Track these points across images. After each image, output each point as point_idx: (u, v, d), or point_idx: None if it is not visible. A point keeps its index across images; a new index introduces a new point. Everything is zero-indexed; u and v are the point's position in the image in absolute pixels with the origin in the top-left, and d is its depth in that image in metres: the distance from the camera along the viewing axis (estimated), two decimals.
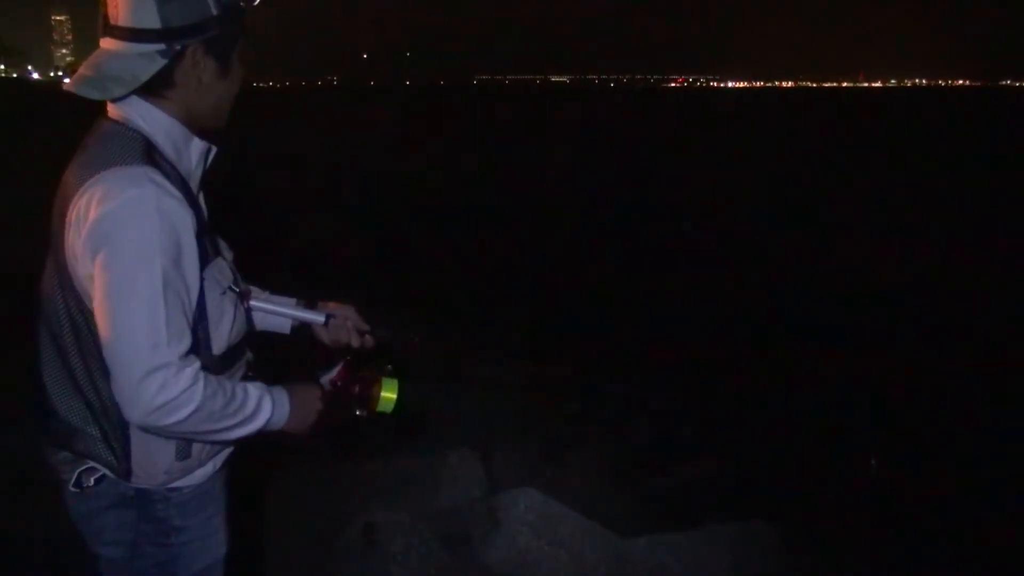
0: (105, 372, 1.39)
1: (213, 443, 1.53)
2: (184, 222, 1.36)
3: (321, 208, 13.32)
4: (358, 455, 3.87)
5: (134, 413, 1.33)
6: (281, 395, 1.54)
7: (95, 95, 1.38)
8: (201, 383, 1.36)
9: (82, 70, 1.41)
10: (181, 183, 1.43)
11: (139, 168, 1.35)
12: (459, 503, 3.49)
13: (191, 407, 1.34)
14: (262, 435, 1.53)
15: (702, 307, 8.41)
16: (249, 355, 1.65)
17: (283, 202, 13.36)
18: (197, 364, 1.38)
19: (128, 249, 1.30)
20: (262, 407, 1.49)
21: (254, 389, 1.49)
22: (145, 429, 1.38)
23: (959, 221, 13.72)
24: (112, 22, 1.39)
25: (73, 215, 1.35)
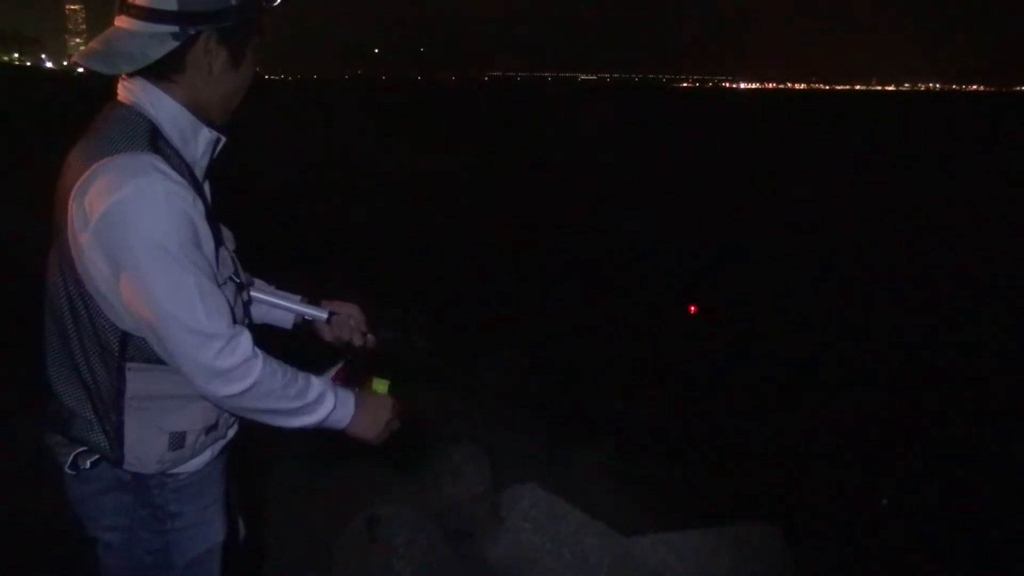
0: (101, 356, 1.41)
1: (277, 426, 1.53)
2: (193, 208, 1.37)
3: (328, 206, 13.33)
4: (362, 449, 3.86)
5: (200, 382, 1.36)
6: (347, 395, 1.56)
7: (101, 69, 1.37)
8: (260, 359, 1.40)
9: (93, 44, 1.40)
10: (186, 171, 1.42)
11: (142, 155, 1.35)
12: (462, 498, 3.49)
13: (250, 379, 1.38)
14: (327, 432, 1.55)
15: (715, 313, 8.38)
16: None
17: (291, 199, 13.38)
18: (249, 337, 1.40)
19: (144, 237, 1.31)
20: (324, 399, 1.51)
21: (317, 381, 1.51)
22: (212, 400, 1.41)
23: (971, 228, 13.63)
24: (130, 0, 1.39)
25: (75, 202, 1.35)
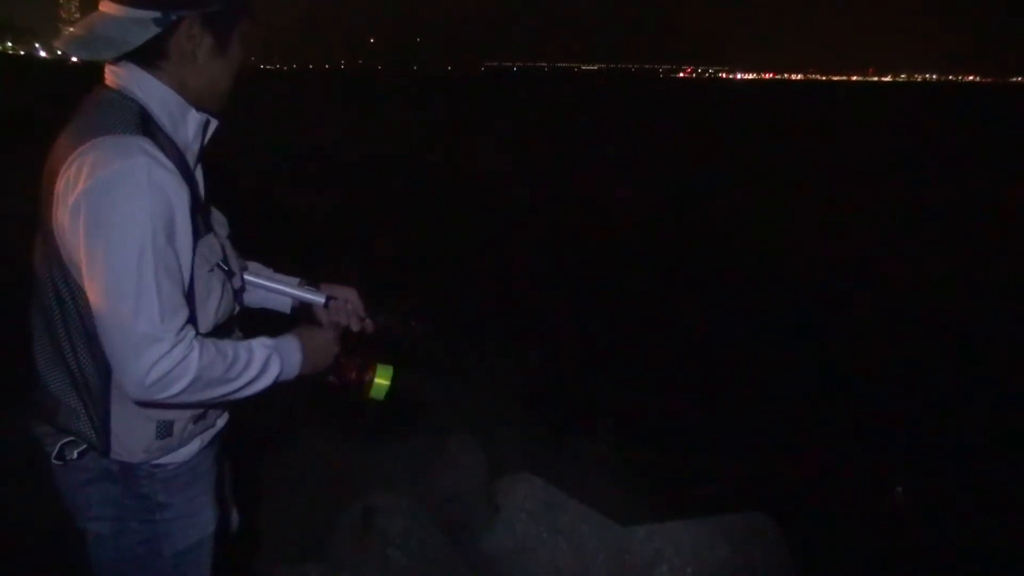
0: (87, 344, 1.38)
1: (223, 404, 1.52)
2: (177, 194, 1.34)
3: (328, 193, 13.30)
4: (358, 439, 3.87)
5: (129, 387, 1.31)
6: (290, 346, 1.54)
7: (82, 55, 1.36)
8: (196, 352, 1.34)
9: (74, 29, 1.39)
10: (177, 155, 1.40)
11: (132, 138, 1.32)
12: (459, 489, 3.49)
13: (187, 379, 1.33)
14: (279, 387, 1.53)
15: (715, 304, 8.36)
16: (238, 334, 1.63)
17: (290, 187, 13.36)
18: (191, 334, 1.36)
19: (119, 221, 1.28)
20: (269, 366, 1.48)
21: (260, 349, 1.48)
22: (144, 403, 1.37)
23: (966, 220, 13.64)
24: None
25: (61, 184, 1.33)
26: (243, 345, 1.46)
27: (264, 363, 1.47)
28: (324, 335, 1.64)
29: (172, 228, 1.33)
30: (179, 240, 1.36)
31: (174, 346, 1.31)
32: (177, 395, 1.33)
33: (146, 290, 1.28)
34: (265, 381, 1.48)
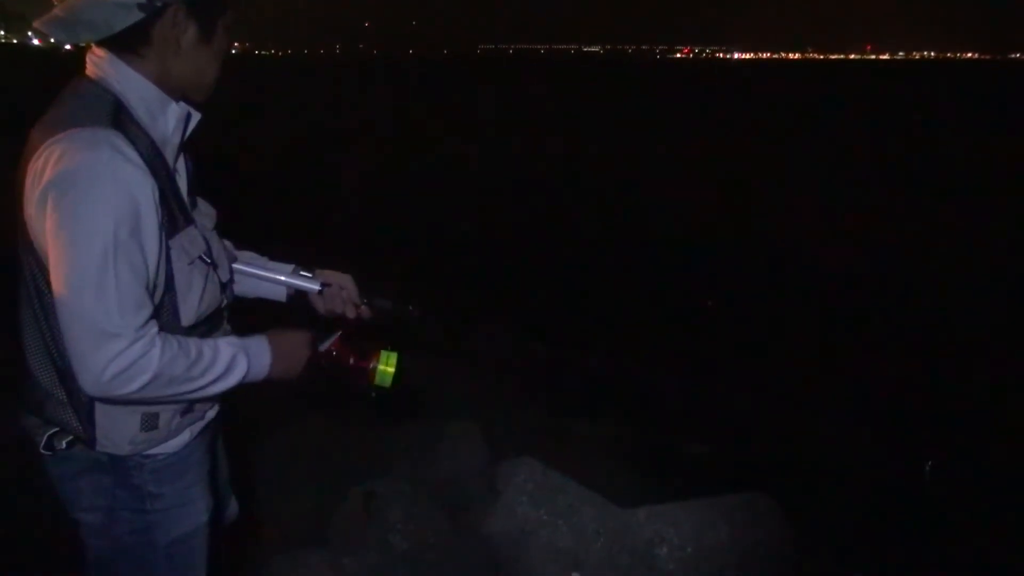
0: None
1: (187, 402, 1.51)
2: (143, 190, 1.31)
3: (324, 179, 13.27)
4: (358, 424, 3.87)
5: (86, 383, 1.30)
6: (260, 346, 1.52)
7: (62, 38, 1.33)
8: (156, 350, 1.32)
9: (55, 10, 1.35)
10: (153, 149, 1.38)
11: (102, 131, 1.30)
12: (459, 473, 3.49)
13: (147, 376, 1.31)
14: (249, 387, 1.51)
15: (715, 284, 8.33)
16: (227, 327, 1.61)
17: (286, 174, 13.32)
18: (153, 331, 1.34)
19: (79, 214, 1.26)
20: (235, 364, 1.47)
21: (226, 347, 1.46)
22: (101, 399, 1.36)
23: (968, 200, 13.59)
24: None
25: (30, 176, 1.32)
26: (208, 343, 1.45)
27: (230, 361, 1.46)
28: (297, 337, 1.59)
29: (137, 223, 1.30)
30: (145, 236, 1.33)
31: (133, 342, 1.29)
32: (136, 392, 1.32)
33: (105, 284, 1.26)
34: (231, 380, 1.46)
